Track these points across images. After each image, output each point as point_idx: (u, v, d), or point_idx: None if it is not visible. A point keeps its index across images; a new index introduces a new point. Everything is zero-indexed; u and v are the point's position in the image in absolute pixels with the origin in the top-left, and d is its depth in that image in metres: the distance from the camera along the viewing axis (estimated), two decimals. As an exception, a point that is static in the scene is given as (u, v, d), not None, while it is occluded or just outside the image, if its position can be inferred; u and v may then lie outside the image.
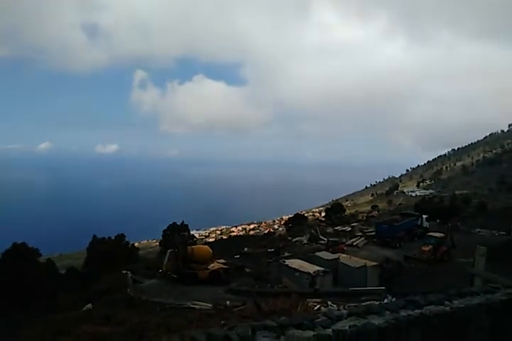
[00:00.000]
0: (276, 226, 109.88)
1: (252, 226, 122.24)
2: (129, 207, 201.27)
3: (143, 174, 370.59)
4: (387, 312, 4.91)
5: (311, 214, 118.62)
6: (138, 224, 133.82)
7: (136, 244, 52.89)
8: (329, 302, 16.18)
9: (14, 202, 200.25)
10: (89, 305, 19.02)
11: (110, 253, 33.19)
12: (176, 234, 32.77)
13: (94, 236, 37.04)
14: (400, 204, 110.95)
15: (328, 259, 24.87)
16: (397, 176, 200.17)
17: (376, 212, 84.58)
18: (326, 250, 30.63)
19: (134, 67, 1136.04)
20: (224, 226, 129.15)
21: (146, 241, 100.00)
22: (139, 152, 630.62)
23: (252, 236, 75.85)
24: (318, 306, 15.30)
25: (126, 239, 38.91)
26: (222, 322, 11.75)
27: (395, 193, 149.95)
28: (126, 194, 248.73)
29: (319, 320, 4.69)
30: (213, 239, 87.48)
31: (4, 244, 31.30)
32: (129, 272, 25.47)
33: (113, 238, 37.15)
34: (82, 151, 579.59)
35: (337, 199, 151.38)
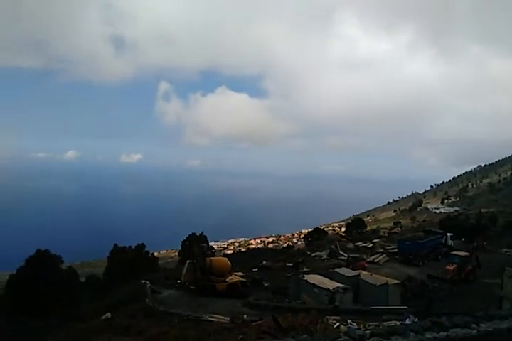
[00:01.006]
0: (295, 240, 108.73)
1: (270, 239, 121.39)
2: (151, 216, 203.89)
3: (165, 184, 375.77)
4: (412, 333, 4.81)
5: (330, 228, 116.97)
6: (158, 234, 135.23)
7: (155, 254, 53.23)
8: (349, 321, 15.82)
9: (40, 209, 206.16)
10: (107, 314, 19.18)
11: (130, 262, 33.56)
12: (195, 245, 32.79)
13: (115, 245, 37.59)
14: (423, 221, 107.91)
15: (348, 276, 24.37)
16: (420, 192, 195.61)
17: (399, 229, 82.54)
18: (347, 266, 30.07)
19: (158, 79, 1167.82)
20: (242, 239, 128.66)
21: (165, 251, 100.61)
22: (162, 162, 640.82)
23: (271, 249, 75.18)
24: (337, 324, 14.97)
25: (147, 249, 39.30)
26: (240, 336, 11.66)
27: (418, 210, 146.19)
28: (149, 203, 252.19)
29: (341, 339, 4.63)
30: (231, 251, 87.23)
31: (30, 250, 32.06)
32: (147, 282, 25.66)
33: (133, 247, 37.61)
34: (107, 160, 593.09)
35: (358, 215, 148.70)
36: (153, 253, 43.64)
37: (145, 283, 25.42)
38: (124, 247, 36.93)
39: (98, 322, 17.24)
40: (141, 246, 38.20)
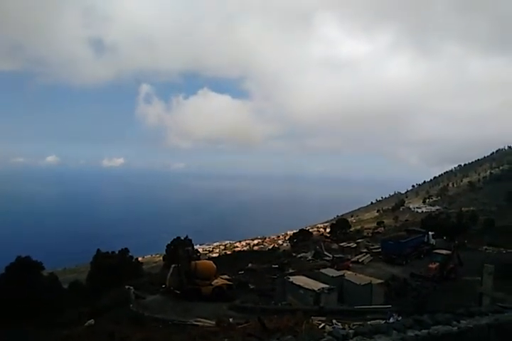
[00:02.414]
0: (280, 242, 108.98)
1: (256, 242, 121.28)
2: (135, 220, 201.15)
3: (149, 187, 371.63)
4: (395, 331, 4.86)
5: (315, 229, 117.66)
6: (142, 238, 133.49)
7: (140, 259, 52.60)
8: (334, 321, 15.90)
9: (20, 215, 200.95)
10: (91, 321, 18.83)
11: (114, 267, 33.01)
12: (180, 249, 32.50)
13: (98, 250, 36.94)
14: (406, 220, 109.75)
15: (333, 276, 24.52)
16: (403, 192, 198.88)
17: (382, 229, 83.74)
18: (331, 267, 30.27)
19: (139, 82, 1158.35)
20: (228, 241, 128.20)
21: (149, 256, 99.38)
22: (144, 165, 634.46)
23: (256, 251, 75.18)
24: (323, 324, 15.04)
25: (130, 254, 38.74)
26: (226, 340, 11.60)
27: (401, 209, 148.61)
28: (132, 207, 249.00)
29: (325, 339, 4.65)
30: (217, 254, 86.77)
31: (11, 257, 31.24)
32: (131, 287, 25.27)
33: (117, 252, 37.02)
34: (88, 165, 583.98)
35: (342, 215, 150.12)
36: (137, 258, 43.11)
37: (129, 288, 25.02)
38: (108, 252, 36.32)
39: (81, 328, 16.88)
40: (125, 250, 37.64)
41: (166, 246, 47.17)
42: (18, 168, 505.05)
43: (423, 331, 4.83)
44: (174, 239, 46.74)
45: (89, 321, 18.36)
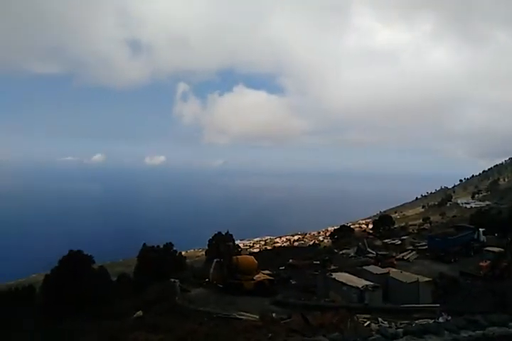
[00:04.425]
0: (321, 238, 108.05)
1: (296, 238, 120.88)
2: (176, 217, 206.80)
3: (188, 185, 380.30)
4: (446, 332, 4.69)
5: (357, 226, 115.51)
6: (184, 234, 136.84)
7: (183, 253, 54.06)
8: (380, 319, 15.60)
9: (69, 212, 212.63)
10: (139, 313, 19.63)
11: (159, 261, 34.21)
12: (221, 244, 33.11)
13: (144, 244, 38.39)
14: (453, 216, 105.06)
15: (377, 274, 23.99)
16: (449, 187, 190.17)
17: (428, 225, 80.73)
18: (375, 264, 29.63)
19: (175, 81, 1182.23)
20: (268, 237, 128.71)
21: (192, 251, 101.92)
22: (184, 163, 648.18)
23: (297, 247, 75.03)
24: (368, 322, 14.81)
25: (174, 248, 39.95)
26: (270, 334, 11.71)
27: (448, 205, 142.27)
28: (173, 205, 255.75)
29: (373, 338, 4.57)
30: (258, 250, 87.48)
31: (61, 251, 33.06)
32: (177, 280, 26.11)
33: (161, 246, 38.29)
34: (131, 163, 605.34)
35: (385, 211, 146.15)
36: (180, 252, 44.33)
37: (174, 281, 25.89)
38: (153, 246, 37.66)
39: (130, 320, 17.66)
40: (169, 245, 38.86)
41: (208, 241, 48.21)
42: (67, 166, 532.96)
43: (477, 332, 4.63)
44: (215, 235, 47.64)
45: (138, 313, 19.15)
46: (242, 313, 17.74)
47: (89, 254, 33.39)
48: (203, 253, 62.62)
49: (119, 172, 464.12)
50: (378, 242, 46.45)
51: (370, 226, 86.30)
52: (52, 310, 27.20)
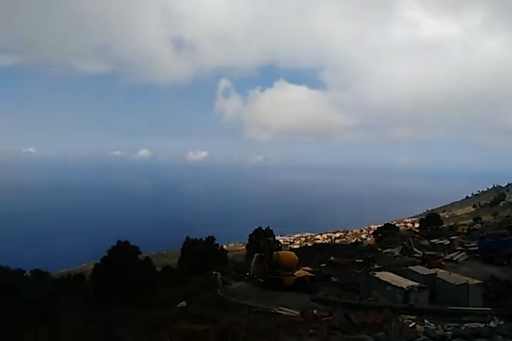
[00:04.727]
0: (364, 236, 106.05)
1: (337, 235, 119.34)
2: (217, 212, 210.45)
3: (229, 180, 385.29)
4: (499, 336, 4.38)
5: (402, 224, 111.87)
6: (224, 229, 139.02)
7: (224, 247, 54.98)
8: (426, 321, 14.99)
9: (116, 204, 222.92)
10: (183, 303, 20.16)
11: (202, 254, 35.00)
12: (262, 239, 33.31)
13: (187, 237, 39.42)
14: (507, 216, 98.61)
15: (423, 274, 23.10)
16: (503, 185, 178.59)
17: (479, 225, 76.38)
18: (421, 264, 28.56)
19: (218, 77, 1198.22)
20: (309, 234, 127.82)
21: (233, 245, 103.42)
22: (225, 159, 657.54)
23: (338, 244, 74.00)
24: (413, 324, 14.28)
25: (216, 242, 40.73)
26: (311, 330, 11.59)
27: (501, 204, 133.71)
28: (214, 200, 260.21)
29: (420, 339, 4.37)
30: (298, 246, 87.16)
31: (109, 242, 34.63)
32: (218, 273, 26.58)
33: (204, 240, 39.16)
34: (175, 158, 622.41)
35: (432, 210, 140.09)
36: (222, 246, 45.10)
37: (216, 274, 26.37)
38: (195, 239, 38.60)
39: (174, 310, 18.18)
40: (211, 238, 39.66)
41: (249, 236, 48.67)
42: (115, 160, 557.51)
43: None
44: (256, 230, 48.01)
45: (181, 303, 19.65)
46: (283, 308, 17.72)
47: (135, 245, 34.81)
48: (244, 247, 63.30)
49: (163, 167, 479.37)
50: (425, 242, 44.71)
51: (417, 225, 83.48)
52: (100, 298, 28.65)
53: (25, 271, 59.05)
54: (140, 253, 35.20)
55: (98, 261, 33.11)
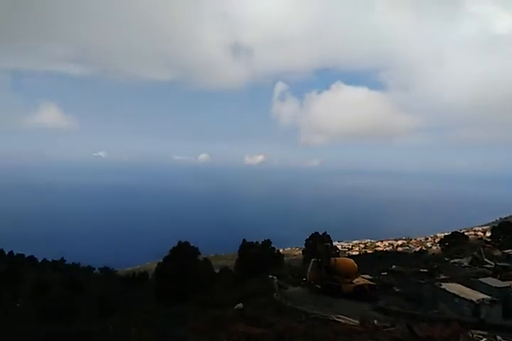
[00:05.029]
0: (429, 245, 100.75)
1: (400, 242, 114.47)
2: (273, 215, 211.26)
3: (285, 184, 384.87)
4: None
5: (472, 233, 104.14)
6: (280, 232, 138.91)
7: (280, 250, 54.95)
8: (499, 337, 13.79)
9: (176, 206, 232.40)
10: (239, 305, 20.42)
11: (259, 257, 35.26)
12: (319, 244, 32.75)
13: (244, 240, 39.95)
14: None
15: (496, 287, 21.26)
16: None
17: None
18: (493, 276, 26.33)
19: (274, 82, 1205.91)
20: (368, 240, 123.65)
21: (289, 249, 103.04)
22: (281, 162, 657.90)
23: (401, 252, 70.78)
24: (484, 339, 13.22)
25: (272, 245, 40.82)
26: (371, 341, 11.17)
27: None
28: (270, 203, 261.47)
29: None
30: (357, 253, 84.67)
31: (172, 243, 36.11)
32: (275, 277, 26.58)
33: (260, 243, 39.44)
34: (232, 162, 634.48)
35: (506, 218, 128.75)
36: (278, 250, 45.11)
37: (272, 278, 26.39)
38: (252, 242, 39.00)
39: (231, 311, 18.46)
40: (268, 242, 39.83)
41: (305, 241, 48.17)
42: (177, 164, 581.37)
43: None
44: (312, 234, 47.41)
45: (238, 305, 19.92)
46: (341, 316, 17.26)
47: (195, 246, 35.96)
48: (300, 252, 62.77)
49: (222, 171, 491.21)
50: (497, 252, 41.26)
51: (488, 234, 77.31)
52: (161, 295, 29.97)
53: (94, 269, 63.85)
54: (199, 254, 36.28)
55: (161, 260, 34.72)
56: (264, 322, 14.14)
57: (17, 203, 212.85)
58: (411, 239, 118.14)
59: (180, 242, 34.86)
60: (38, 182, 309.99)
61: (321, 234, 47.49)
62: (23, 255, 58.23)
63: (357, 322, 15.32)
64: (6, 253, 55.65)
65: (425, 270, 33.09)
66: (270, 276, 26.97)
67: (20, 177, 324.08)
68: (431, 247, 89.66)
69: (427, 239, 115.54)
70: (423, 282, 26.69)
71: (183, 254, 32.57)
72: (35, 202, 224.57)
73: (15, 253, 57.04)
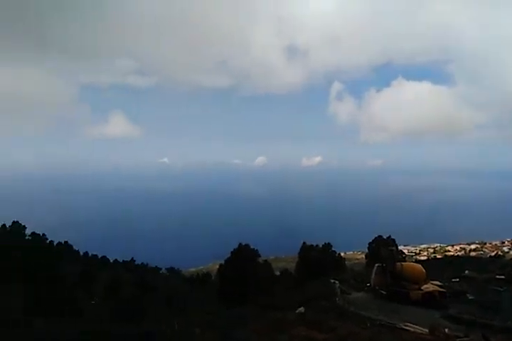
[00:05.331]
0: (505, 249, 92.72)
1: (473, 247, 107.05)
2: (333, 217, 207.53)
3: (346, 185, 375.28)
4: None
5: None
6: (341, 235, 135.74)
7: (342, 254, 53.69)
8: None
9: (236, 210, 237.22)
10: (301, 309, 20.22)
11: (319, 260, 34.80)
12: (383, 248, 31.44)
13: (304, 242, 39.63)
14: None
15: None
16: None
17: None
18: None
19: (330, 81, 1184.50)
20: (437, 244, 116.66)
21: (351, 253, 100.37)
22: (340, 163, 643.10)
23: (474, 257, 65.91)
24: None
25: (333, 248, 40.06)
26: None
27: None
28: (330, 205, 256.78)
29: None
30: (425, 257, 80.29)
31: (233, 245, 36.83)
32: (336, 281, 26.02)
33: (321, 246, 38.89)
34: (290, 164, 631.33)
35: None
36: (339, 253, 44.15)
37: (334, 282, 25.86)
38: (312, 245, 38.59)
39: (292, 314, 18.35)
40: (328, 245, 39.16)
41: (368, 244, 46.57)
42: (235, 168, 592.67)
43: None
44: (376, 238, 45.71)
45: (300, 309, 19.75)
46: (409, 324, 16.42)
47: (255, 248, 36.40)
48: (363, 256, 60.85)
49: (279, 173, 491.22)
50: None
51: None
52: (223, 296, 30.66)
53: (161, 269, 67.07)
54: (259, 256, 36.69)
55: (222, 261, 35.62)
56: (326, 327, 13.90)
57: (90, 209, 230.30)
58: (485, 243, 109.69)
59: (240, 244, 35.48)
60: (107, 187, 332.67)
61: (385, 237, 45.63)
62: (96, 255, 62.75)
63: (426, 330, 14.49)
64: (81, 253, 60.38)
65: (502, 276, 30.43)
66: (332, 280, 26.45)
67: (92, 185, 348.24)
68: (508, 252, 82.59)
69: (503, 243, 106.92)
70: (501, 289, 24.59)
71: (243, 256, 33.14)
72: (107, 206, 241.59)
73: (89, 254, 61.70)
